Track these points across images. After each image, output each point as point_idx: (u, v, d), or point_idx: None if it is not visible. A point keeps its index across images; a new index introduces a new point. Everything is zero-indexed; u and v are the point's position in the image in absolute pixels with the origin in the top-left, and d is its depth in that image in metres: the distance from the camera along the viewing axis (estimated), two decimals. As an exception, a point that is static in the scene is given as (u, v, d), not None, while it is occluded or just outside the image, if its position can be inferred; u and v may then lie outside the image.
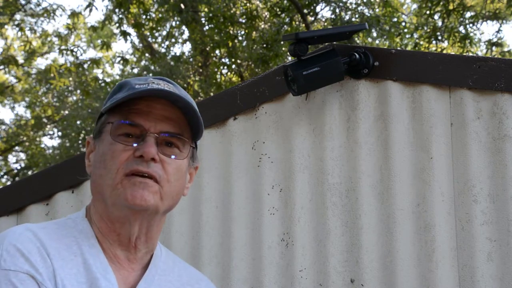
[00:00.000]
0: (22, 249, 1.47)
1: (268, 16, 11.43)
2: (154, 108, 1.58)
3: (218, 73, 12.69)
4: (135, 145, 1.56)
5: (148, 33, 13.33)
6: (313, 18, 11.59)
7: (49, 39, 15.30)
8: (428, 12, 10.64)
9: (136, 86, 1.59)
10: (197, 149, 1.67)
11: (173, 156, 1.58)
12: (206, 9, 11.35)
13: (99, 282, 1.53)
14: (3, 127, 18.59)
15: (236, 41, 11.51)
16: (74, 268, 1.51)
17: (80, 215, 1.64)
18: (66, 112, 16.69)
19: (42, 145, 18.42)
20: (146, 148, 1.55)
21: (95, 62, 13.09)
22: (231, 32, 11.17)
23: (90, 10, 10.82)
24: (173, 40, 13.42)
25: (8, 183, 18.40)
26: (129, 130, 1.58)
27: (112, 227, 1.60)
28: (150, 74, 13.90)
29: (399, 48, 10.45)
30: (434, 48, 11.21)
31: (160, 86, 1.59)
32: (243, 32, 11.47)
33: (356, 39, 10.63)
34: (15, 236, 1.49)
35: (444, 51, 11.35)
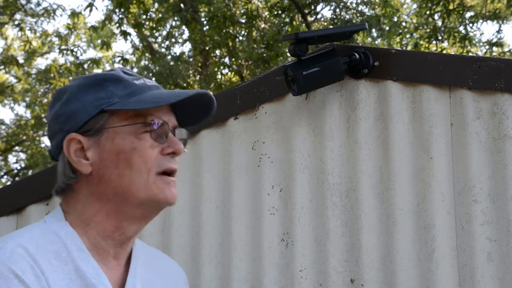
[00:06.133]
0: (15, 270, 1.42)
1: (268, 16, 11.43)
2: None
3: (218, 73, 12.70)
4: (160, 141, 1.56)
5: (148, 33, 13.34)
6: (313, 18, 11.59)
7: (49, 39, 15.31)
8: (428, 12, 10.64)
9: (135, 82, 1.60)
10: None
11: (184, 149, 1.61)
12: (206, 9, 11.35)
13: None
14: (3, 127, 18.60)
15: (236, 41, 11.51)
16: (66, 278, 1.49)
17: (59, 218, 1.59)
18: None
19: (42, 145, 18.41)
20: (178, 145, 1.57)
21: (95, 62, 13.11)
22: (231, 32, 11.17)
23: (90, 10, 10.83)
24: (173, 40, 13.42)
25: (8, 183, 18.40)
26: (153, 128, 1.57)
27: (119, 227, 1.58)
28: (150, 74, 13.89)
29: (399, 48, 10.45)
30: (434, 48, 11.21)
31: (151, 82, 1.63)
32: (243, 32, 11.47)
33: (356, 38, 10.63)
34: (7, 256, 1.45)
35: (444, 51, 11.35)
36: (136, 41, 14.48)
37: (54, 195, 1.65)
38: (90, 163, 1.57)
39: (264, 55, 10.68)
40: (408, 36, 12.01)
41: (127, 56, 15.73)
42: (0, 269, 1.42)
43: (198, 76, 13.63)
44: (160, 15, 12.35)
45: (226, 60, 12.55)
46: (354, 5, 11.03)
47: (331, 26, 10.18)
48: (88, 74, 1.65)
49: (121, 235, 1.59)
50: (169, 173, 1.57)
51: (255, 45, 11.08)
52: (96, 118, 1.58)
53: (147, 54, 14.92)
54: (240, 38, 11.63)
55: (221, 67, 12.64)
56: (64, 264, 1.50)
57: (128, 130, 1.56)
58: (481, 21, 11.44)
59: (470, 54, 10.99)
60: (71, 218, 1.59)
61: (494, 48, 12.06)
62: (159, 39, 14.09)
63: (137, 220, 1.59)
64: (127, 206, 1.56)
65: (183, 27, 12.65)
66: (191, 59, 13.36)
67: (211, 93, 1.64)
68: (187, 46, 17.42)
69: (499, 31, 11.95)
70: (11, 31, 16.30)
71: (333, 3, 10.63)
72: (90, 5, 10.79)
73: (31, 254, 1.47)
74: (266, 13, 11.51)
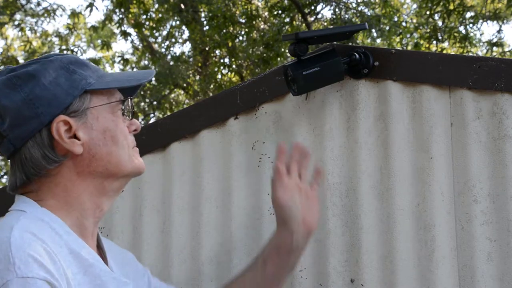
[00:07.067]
0: (33, 255, 1.41)
1: (268, 16, 11.43)
2: None
3: (218, 73, 12.70)
4: (126, 119, 1.68)
5: (148, 33, 13.34)
6: (313, 18, 11.59)
7: (49, 39, 15.29)
8: (428, 12, 10.65)
9: (92, 64, 1.69)
10: None
11: None
12: (206, 9, 11.35)
13: (94, 268, 1.53)
14: (3, 127, 18.53)
15: (236, 41, 11.52)
16: (66, 260, 1.48)
17: (35, 205, 1.59)
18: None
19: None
20: (138, 123, 1.70)
21: (95, 62, 13.10)
22: (231, 32, 11.17)
23: (91, 10, 10.84)
24: (173, 40, 13.42)
25: (8, 183, 18.35)
26: (125, 105, 1.69)
27: (99, 203, 1.63)
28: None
29: (399, 48, 10.45)
30: (434, 48, 11.22)
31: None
32: (243, 32, 11.47)
33: (356, 38, 10.63)
34: (19, 242, 1.43)
35: (444, 51, 11.35)
36: (136, 41, 14.48)
37: (17, 186, 1.64)
38: (81, 143, 1.59)
39: (264, 55, 10.68)
40: (408, 36, 12.01)
41: (127, 56, 15.73)
42: (18, 255, 1.40)
43: (198, 76, 13.63)
44: (160, 15, 12.36)
45: (226, 60, 12.56)
46: (354, 5, 11.03)
47: (331, 26, 10.17)
48: (41, 60, 1.66)
49: (100, 211, 1.64)
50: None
51: (254, 47, 11.09)
52: (81, 99, 1.62)
53: (147, 54, 14.92)
54: (240, 38, 11.63)
55: (221, 67, 12.65)
56: (59, 247, 1.50)
57: (107, 109, 1.64)
58: (481, 21, 11.44)
59: (470, 54, 10.99)
60: (48, 204, 1.59)
61: (495, 48, 12.05)
62: (159, 39, 14.08)
63: (114, 194, 1.67)
64: (110, 181, 1.63)
65: (183, 27, 12.64)
66: (191, 59, 13.36)
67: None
68: (187, 46, 17.42)
69: (499, 31, 11.94)
70: (11, 31, 16.29)
71: (333, 3, 10.63)
72: (90, 5, 10.80)
73: (40, 238, 1.46)
74: (266, 13, 11.51)
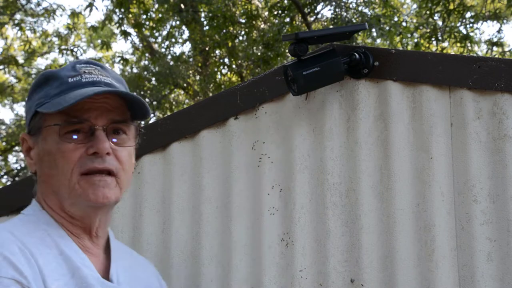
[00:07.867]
0: (4, 253, 1.42)
1: (268, 16, 11.43)
2: (96, 100, 1.57)
3: (218, 73, 12.69)
4: (85, 142, 1.55)
5: (148, 33, 13.34)
6: (313, 18, 11.59)
7: (49, 39, 15.30)
8: (428, 12, 10.64)
9: (69, 79, 1.58)
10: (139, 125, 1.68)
11: (124, 144, 1.60)
12: (206, 9, 11.34)
13: (81, 271, 1.53)
14: (3, 127, 18.58)
15: (236, 41, 11.51)
16: (54, 262, 1.50)
17: (36, 209, 1.61)
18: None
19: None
20: (99, 144, 1.54)
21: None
22: (231, 32, 11.17)
23: (90, 10, 10.83)
24: (173, 40, 13.41)
25: (8, 183, 18.39)
26: (77, 127, 1.56)
27: (73, 221, 1.60)
28: (150, 74, 13.88)
29: (399, 48, 10.45)
30: (434, 48, 11.22)
31: (94, 77, 1.58)
32: (243, 32, 11.47)
33: (356, 38, 10.63)
34: None
35: (444, 51, 11.35)
36: (136, 41, 14.48)
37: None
38: (34, 163, 1.59)
39: (264, 55, 10.68)
40: (408, 36, 12.01)
41: (127, 56, 15.73)
42: None
43: (198, 76, 13.63)
44: (160, 15, 12.35)
45: (226, 60, 12.55)
46: (354, 5, 11.03)
47: (331, 26, 10.17)
48: (45, 71, 1.66)
49: (81, 228, 1.61)
50: (97, 172, 1.55)
51: (254, 47, 11.09)
52: (35, 119, 1.60)
53: (147, 54, 14.92)
54: (240, 38, 11.63)
55: (221, 67, 12.64)
56: (49, 249, 1.51)
57: (55, 130, 1.56)
58: (481, 21, 11.44)
59: (471, 54, 10.99)
60: (46, 208, 1.61)
61: (495, 48, 12.06)
62: (159, 39, 14.08)
63: (84, 218, 1.60)
64: (65, 205, 1.58)
65: (183, 27, 12.64)
66: (191, 59, 13.35)
67: (127, 92, 1.60)
68: (187, 46, 17.43)
69: (499, 31, 11.95)
70: (11, 31, 16.30)
71: (333, 3, 10.63)
72: (90, 5, 10.80)
73: (18, 238, 1.47)
74: (266, 13, 11.51)
